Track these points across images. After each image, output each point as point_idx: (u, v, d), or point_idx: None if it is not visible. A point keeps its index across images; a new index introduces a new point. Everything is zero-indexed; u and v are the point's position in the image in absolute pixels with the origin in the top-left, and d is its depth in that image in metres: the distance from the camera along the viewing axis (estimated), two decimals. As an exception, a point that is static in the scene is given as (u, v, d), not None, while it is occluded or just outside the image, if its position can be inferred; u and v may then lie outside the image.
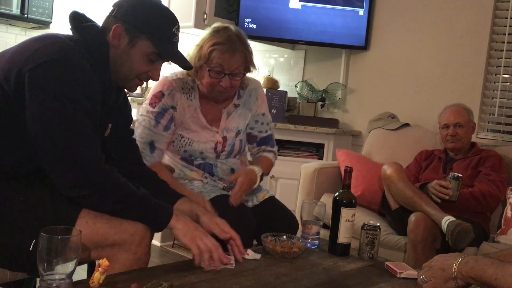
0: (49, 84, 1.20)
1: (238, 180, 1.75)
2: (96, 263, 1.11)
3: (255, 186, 1.84)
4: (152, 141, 1.80)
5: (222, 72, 1.73)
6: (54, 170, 1.23)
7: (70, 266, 1.01)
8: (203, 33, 1.79)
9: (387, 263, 1.52)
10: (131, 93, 3.75)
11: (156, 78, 1.43)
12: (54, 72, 1.21)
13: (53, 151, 1.21)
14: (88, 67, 1.27)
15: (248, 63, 1.79)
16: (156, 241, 3.18)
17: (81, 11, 1.40)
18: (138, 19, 1.34)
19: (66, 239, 1.00)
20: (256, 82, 2.00)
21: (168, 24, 1.39)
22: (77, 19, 1.37)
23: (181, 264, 1.38)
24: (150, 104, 1.80)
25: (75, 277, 1.06)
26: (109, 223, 1.28)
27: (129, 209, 1.30)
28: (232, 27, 1.78)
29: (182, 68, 1.50)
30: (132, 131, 1.63)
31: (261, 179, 1.87)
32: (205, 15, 3.32)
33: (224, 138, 1.88)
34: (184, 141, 1.84)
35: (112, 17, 1.36)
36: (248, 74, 1.87)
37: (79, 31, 1.34)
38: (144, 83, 1.48)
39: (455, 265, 1.19)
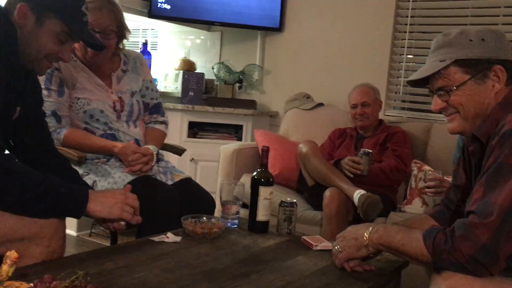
0: None
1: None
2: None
3: (153, 163, 1.88)
4: (54, 110, 1.82)
5: (94, 31, 1.75)
6: None
7: (-26, 261, 0.94)
8: None
9: (304, 237, 1.59)
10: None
11: (67, 59, 1.39)
12: None
13: None
14: None
15: (119, 24, 1.87)
16: (71, 231, 3.04)
17: None
18: None
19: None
20: (137, 52, 2.16)
21: (77, 2, 1.34)
22: None
23: (98, 251, 1.35)
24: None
25: (-19, 273, 0.99)
26: (17, 215, 1.21)
27: (37, 199, 1.22)
28: None
29: (93, 49, 1.47)
30: (43, 114, 1.56)
31: (157, 156, 1.94)
32: (116, -6, 3.18)
33: (120, 99, 1.93)
34: (81, 102, 1.85)
35: None
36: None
37: None
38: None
39: (366, 234, 1.27)
